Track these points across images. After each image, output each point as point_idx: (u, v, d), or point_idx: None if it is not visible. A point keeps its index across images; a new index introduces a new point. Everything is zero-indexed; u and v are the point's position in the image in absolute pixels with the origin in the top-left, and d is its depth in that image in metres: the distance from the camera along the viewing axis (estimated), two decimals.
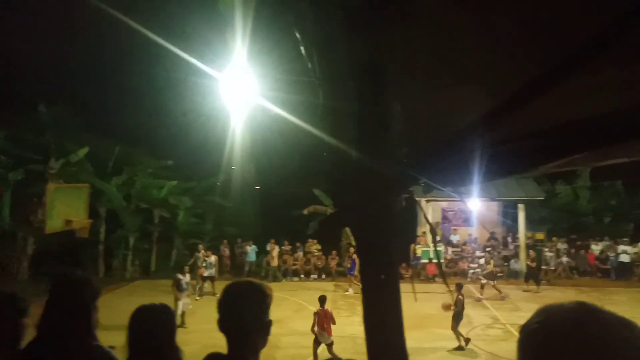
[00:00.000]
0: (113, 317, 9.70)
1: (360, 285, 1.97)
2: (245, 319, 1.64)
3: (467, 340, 9.93)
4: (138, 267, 18.32)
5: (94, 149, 16.41)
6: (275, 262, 17.60)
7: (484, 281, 14.45)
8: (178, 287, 11.19)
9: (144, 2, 17.07)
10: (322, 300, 9.04)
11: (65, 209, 13.97)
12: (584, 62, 1.34)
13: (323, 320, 8.79)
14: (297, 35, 2.10)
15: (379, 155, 1.63)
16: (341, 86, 1.92)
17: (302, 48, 2.10)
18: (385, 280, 1.75)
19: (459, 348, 9.74)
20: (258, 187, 23.87)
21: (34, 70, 17.52)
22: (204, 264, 14.66)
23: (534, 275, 15.62)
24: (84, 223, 14.72)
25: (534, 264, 15.90)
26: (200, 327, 10.01)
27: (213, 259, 15.04)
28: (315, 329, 8.86)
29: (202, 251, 15.46)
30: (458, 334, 9.86)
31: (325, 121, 2.10)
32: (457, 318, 9.87)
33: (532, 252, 16.93)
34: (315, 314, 8.96)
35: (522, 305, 13.40)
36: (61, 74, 18.10)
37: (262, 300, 1.68)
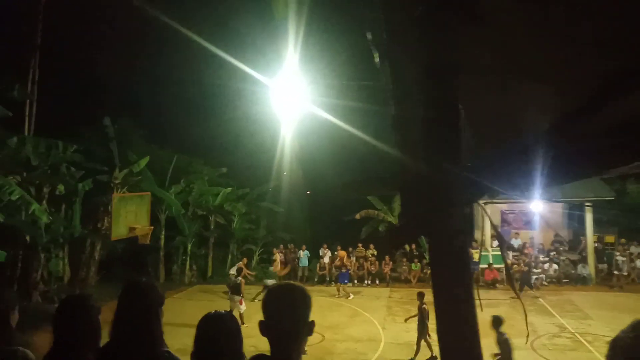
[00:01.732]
0: (176, 321, 10.11)
1: (434, 295, 1.88)
2: (291, 321, 1.68)
3: (434, 358, 9.37)
4: (196, 272, 18.96)
5: (154, 159, 17.20)
6: (276, 268, 17.56)
7: None
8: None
9: (202, 16, 17.79)
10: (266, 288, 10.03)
11: (129, 216, 14.75)
12: None
13: None
14: (371, 46, 2.05)
15: (448, 161, 1.57)
16: (412, 93, 1.86)
17: (375, 57, 2.05)
18: (462, 288, 1.67)
19: (432, 359, 9.25)
20: (309, 192, 24.07)
21: (100, 84, 18.73)
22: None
23: (526, 281, 15.08)
24: (146, 230, 15.49)
25: (526, 269, 15.48)
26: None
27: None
28: None
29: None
30: (428, 344, 9.36)
31: (395, 129, 2.03)
32: (422, 328, 9.38)
33: (524, 258, 16.23)
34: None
35: (592, 313, 12.55)
36: (124, 87, 19.21)
37: (306, 302, 1.72)
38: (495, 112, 1.62)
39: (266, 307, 1.72)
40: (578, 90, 1.27)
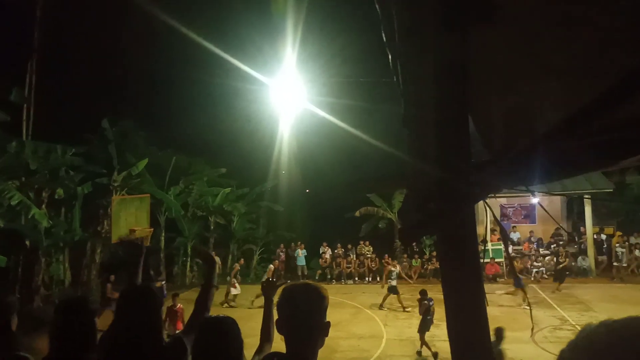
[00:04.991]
0: None
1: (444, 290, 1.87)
2: (306, 320, 1.66)
3: (435, 354, 9.18)
4: (197, 273, 18.94)
5: (153, 161, 17.16)
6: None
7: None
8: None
9: (199, 16, 17.75)
10: (174, 295, 10.78)
11: (129, 218, 14.71)
12: None
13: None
14: (385, 44, 2.04)
15: (458, 160, 1.57)
16: (423, 92, 1.85)
17: (390, 58, 2.03)
18: (473, 286, 1.67)
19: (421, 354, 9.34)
20: (308, 191, 24.07)
21: (97, 86, 18.69)
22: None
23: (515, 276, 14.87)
24: (146, 232, 15.42)
25: (517, 262, 15.64)
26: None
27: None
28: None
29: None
30: (423, 342, 9.32)
31: (406, 127, 2.03)
32: (425, 324, 9.38)
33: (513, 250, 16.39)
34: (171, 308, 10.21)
35: (593, 305, 12.60)
36: (122, 89, 19.17)
37: (321, 302, 1.69)
38: (504, 109, 1.62)
39: (281, 306, 1.69)
40: (592, 85, 1.27)
